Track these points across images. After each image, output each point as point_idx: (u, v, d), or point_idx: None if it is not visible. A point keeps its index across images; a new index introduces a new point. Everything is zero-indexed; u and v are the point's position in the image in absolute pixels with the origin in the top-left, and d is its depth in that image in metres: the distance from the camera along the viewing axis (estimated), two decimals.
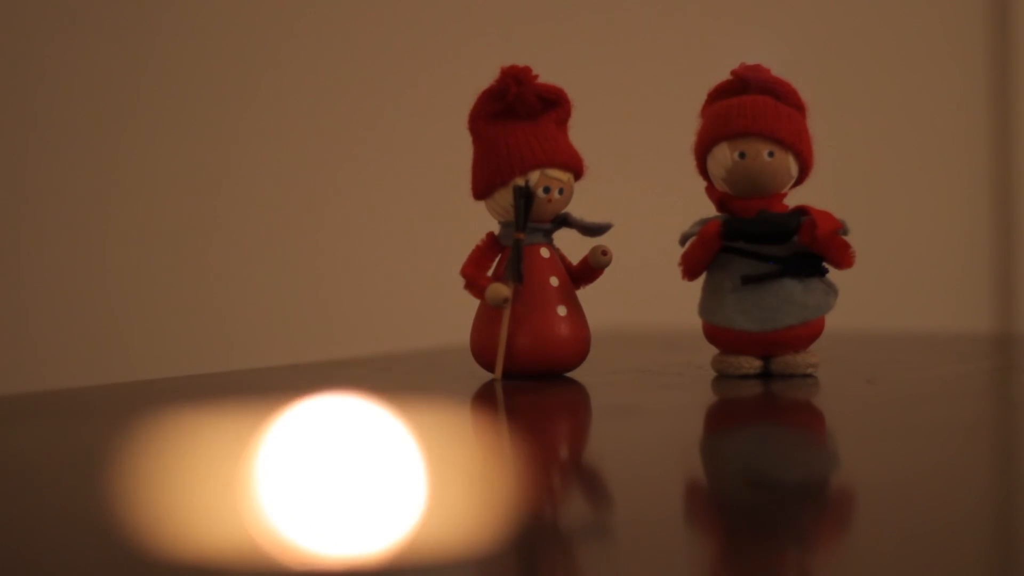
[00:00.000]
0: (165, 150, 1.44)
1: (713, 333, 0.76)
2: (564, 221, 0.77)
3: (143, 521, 0.39)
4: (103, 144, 1.43)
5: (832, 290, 0.75)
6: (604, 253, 0.77)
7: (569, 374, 0.77)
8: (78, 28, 1.42)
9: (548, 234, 0.77)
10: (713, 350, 0.77)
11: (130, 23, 1.44)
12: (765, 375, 0.75)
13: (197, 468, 0.46)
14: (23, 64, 1.41)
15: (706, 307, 0.76)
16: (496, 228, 0.78)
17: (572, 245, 0.79)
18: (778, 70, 0.76)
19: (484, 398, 0.70)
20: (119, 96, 1.43)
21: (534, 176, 0.75)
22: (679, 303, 0.84)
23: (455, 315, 0.84)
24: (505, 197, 0.75)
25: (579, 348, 0.76)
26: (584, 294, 0.78)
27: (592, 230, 0.77)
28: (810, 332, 0.74)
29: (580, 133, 0.78)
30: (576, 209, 0.77)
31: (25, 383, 1.33)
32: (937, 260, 1.59)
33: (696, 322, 0.77)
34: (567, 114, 0.77)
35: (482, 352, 0.76)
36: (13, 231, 1.41)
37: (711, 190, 0.76)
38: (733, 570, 0.36)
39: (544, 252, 0.77)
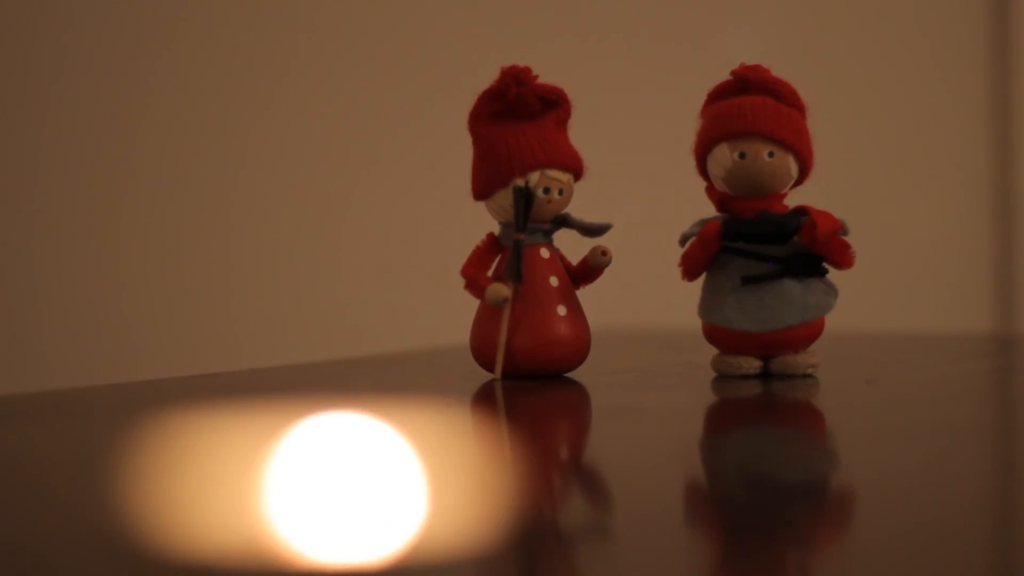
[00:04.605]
0: (170, 150, 1.44)
1: (713, 333, 0.76)
2: (564, 221, 0.77)
3: (147, 522, 0.39)
4: (110, 143, 1.43)
5: (832, 290, 0.75)
6: (604, 253, 0.77)
7: (569, 374, 0.77)
8: (92, 25, 1.42)
9: (548, 234, 0.77)
10: (713, 350, 0.77)
11: (144, 22, 1.44)
12: (765, 375, 0.75)
13: (199, 469, 0.46)
14: (33, 61, 1.41)
15: (706, 307, 0.76)
16: (496, 228, 0.78)
17: (572, 245, 0.79)
18: (778, 70, 0.76)
19: (484, 398, 0.70)
20: (129, 96, 1.43)
21: (534, 176, 0.75)
22: (679, 303, 0.84)
23: (455, 315, 0.84)
24: (505, 198, 0.75)
25: (579, 348, 0.76)
26: (584, 294, 0.78)
27: (592, 230, 0.77)
28: (810, 332, 0.75)
29: (580, 133, 0.78)
30: (576, 209, 0.78)
31: (27, 383, 1.33)
32: (937, 260, 1.59)
33: (696, 322, 0.77)
34: (567, 114, 0.77)
35: (482, 352, 0.76)
36: (19, 230, 1.41)
37: (711, 190, 0.76)
38: (733, 570, 0.36)
39: (544, 252, 0.77)
